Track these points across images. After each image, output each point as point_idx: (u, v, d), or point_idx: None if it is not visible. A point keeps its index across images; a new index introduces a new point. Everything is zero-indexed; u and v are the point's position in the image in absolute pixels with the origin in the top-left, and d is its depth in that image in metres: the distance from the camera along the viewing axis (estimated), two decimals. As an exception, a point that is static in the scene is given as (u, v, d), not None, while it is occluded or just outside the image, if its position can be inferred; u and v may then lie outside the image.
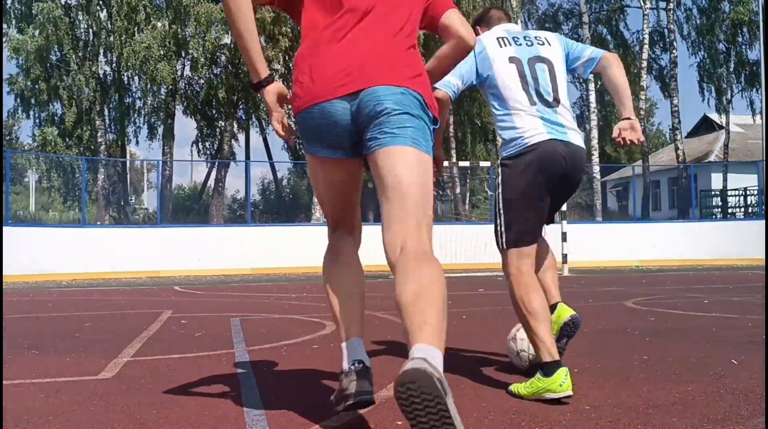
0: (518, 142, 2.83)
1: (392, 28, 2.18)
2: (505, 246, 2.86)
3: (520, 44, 2.97)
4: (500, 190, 2.87)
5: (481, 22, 3.23)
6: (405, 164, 2.03)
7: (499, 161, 2.98)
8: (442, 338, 1.82)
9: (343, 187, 2.29)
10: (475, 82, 3.01)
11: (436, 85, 2.78)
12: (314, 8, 2.18)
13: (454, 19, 2.33)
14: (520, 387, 2.69)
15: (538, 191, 2.81)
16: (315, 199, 20.95)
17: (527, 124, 2.82)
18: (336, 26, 2.12)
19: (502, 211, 2.87)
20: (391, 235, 2.02)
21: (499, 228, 2.88)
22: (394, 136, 2.05)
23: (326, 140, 2.16)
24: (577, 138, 2.89)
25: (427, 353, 1.74)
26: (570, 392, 2.55)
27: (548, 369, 2.58)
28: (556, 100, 2.88)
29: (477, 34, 2.97)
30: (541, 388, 2.57)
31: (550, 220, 3.07)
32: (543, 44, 2.99)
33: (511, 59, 2.91)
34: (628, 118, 2.96)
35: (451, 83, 2.91)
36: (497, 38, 2.98)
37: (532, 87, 2.86)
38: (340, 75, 2.07)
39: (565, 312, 3.08)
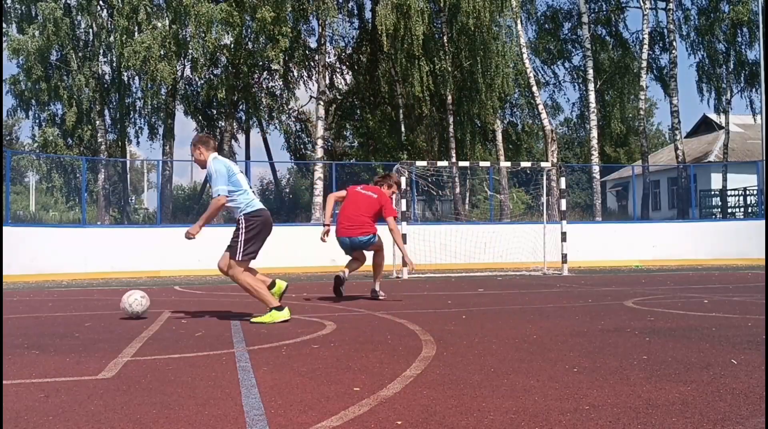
0: (254, 206, 5.69)
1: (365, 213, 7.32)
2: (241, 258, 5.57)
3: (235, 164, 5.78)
4: (244, 231, 5.60)
5: (204, 145, 5.72)
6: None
7: (244, 215, 5.60)
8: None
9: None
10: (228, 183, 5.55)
11: (215, 194, 5.57)
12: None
13: (389, 222, 7.35)
14: (258, 318, 5.39)
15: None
16: (315, 200, 20.95)
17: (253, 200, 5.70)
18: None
19: (243, 240, 5.58)
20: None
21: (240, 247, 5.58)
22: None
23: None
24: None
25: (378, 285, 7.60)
26: (289, 315, 5.43)
27: (279, 308, 5.42)
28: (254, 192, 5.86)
29: (200, 150, 5.69)
30: (277, 316, 5.35)
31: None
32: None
33: (241, 172, 5.75)
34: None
35: (224, 190, 5.54)
36: (229, 163, 5.70)
37: (249, 185, 5.75)
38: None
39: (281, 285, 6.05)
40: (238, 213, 5.56)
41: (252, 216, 5.55)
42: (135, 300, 5.80)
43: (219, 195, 5.46)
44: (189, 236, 5.60)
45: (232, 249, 5.56)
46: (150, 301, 6.02)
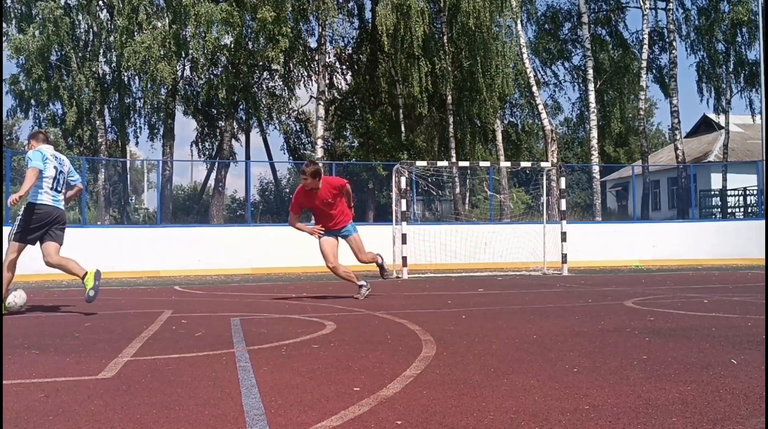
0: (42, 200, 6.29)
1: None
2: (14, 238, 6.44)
3: (58, 160, 6.42)
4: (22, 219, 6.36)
5: (34, 139, 6.48)
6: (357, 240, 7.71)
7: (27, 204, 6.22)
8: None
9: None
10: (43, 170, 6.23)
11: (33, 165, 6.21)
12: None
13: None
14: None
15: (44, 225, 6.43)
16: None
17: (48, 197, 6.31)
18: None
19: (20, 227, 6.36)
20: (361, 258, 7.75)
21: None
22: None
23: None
24: (61, 205, 6.47)
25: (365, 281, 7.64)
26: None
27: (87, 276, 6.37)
28: (59, 191, 6.42)
29: (32, 144, 6.44)
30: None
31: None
32: (64, 163, 6.49)
33: (55, 168, 6.34)
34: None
35: (38, 165, 6.22)
36: (51, 154, 6.35)
37: (57, 183, 6.37)
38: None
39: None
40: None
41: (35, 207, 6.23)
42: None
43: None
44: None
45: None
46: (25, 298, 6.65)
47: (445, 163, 15.65)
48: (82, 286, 6.54)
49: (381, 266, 7.99)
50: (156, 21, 20.64)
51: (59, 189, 6.40)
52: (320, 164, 7.53)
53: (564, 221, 13.13)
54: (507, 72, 22.73)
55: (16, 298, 6.59)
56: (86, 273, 6.44)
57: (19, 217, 6.32)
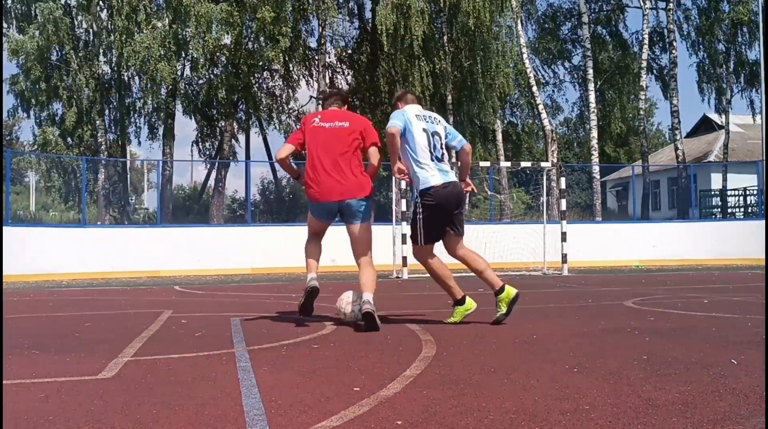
0: (426, 182, 4.85)
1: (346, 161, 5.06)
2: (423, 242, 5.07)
3: (427, 121, 4.98)
4: (421, 210, 4.90)
5: (401, 100, 5.22)
6: (361, 230, 5.09)
7: (418, 193, 4.91)
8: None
9: (323, 227, 5.24)
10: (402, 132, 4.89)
11: (391, 123, 4.91)
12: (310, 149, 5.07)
13: (371, 153, 5.36)
14: (451, 319, 5.13)
15: (441, 214, 4.93)
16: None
17: (430, 172, 4.87)
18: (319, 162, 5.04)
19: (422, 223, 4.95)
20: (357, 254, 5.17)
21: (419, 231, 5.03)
22: (356, 220, 5.05)
23: (324, 215, 5.13)
24: (453, 176, 4.97)
25: (370, 297, 4.81)
26: (475, 304, 5.20)
27: (460, 301, 5.15)
28: (441, 158, 4.93)
29: (397, 107, 5.12)
30: (464, 310, 5.12)
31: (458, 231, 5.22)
32: (438, 122, 5.08)
33: (424, 130, 4.92)
34: (467, 182, 5.23)
35: (398, 124, 4.86)
36: (415, 114, 4.97)
37: (431, 149, 4.89)
38: (334, 193, 4.98)
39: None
40: None
41: None
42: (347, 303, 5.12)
43: None
44: None
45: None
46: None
47: (444, 163, 15.63)
48: (83, 286, 6.47)
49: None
50: (156, 21, 20.63)
51: (439, 156, 4.92)
52: None
53: (564, 221, 13.13)
54: (507, 72, 22.72)
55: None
56: (504, 289, 5.17)
57: (413, 214, 4.94)
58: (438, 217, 4.89)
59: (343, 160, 5.00)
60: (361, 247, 5.08)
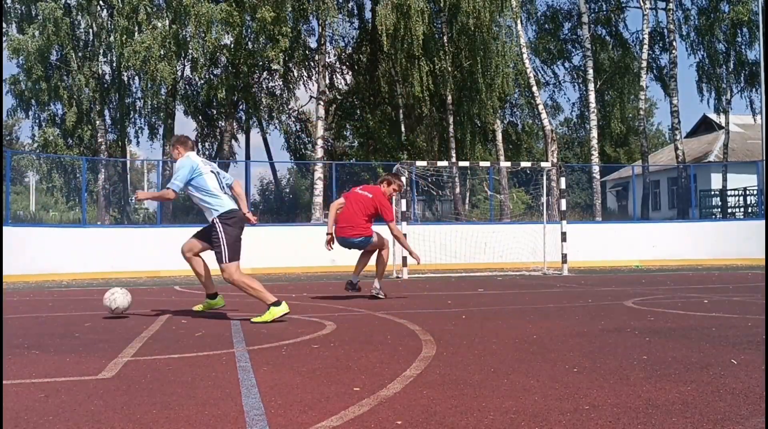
0: (226, 207, 5.65)
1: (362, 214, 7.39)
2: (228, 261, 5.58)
3: (206, 163, 5.81)
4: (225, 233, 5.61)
5: (181, 145, 5.87)
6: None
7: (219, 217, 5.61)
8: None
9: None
10: (189, 182, 5.63)
11: (169, 186, 5.64)
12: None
13: (391, 228, 7.57)
14: (258, 318, 5.36)
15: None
16: (315, 200, 20.95)
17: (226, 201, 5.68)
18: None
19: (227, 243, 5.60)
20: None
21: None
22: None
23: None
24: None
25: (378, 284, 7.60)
26: (287, 309, 5.41)
27: (275, 303, 5.37)
28: (227, 192, 5.79)
29: (177, 150, 5.85)
30: (275, 312, 5.33)
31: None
32: (211, 164, 5.92)
33: (212, 172, 5.75)
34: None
35: (177, 185, 5.60)
36: (200, 160, 5.77)
37: (222, 187, 5.74)
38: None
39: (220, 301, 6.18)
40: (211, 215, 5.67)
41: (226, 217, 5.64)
42: (116, 296, 5.93)
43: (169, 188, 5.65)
44: (138, 198, 6.31)
45: (218, 254, 5.64)
46: (131, 298, 6.03)
47: (445, 163, 15.65)
48: (83, 286, 6.52)
49: (351, 283, 7.78)
50: (156, 21, 20.62)
51: (227, 191, 5.83)
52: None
53: (564, 221, 13.12)
54: (507, 72, 22.72)
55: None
56: (217, 295, 6.18)
57: (219, 237, 5.59)
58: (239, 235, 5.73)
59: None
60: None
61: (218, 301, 6.18)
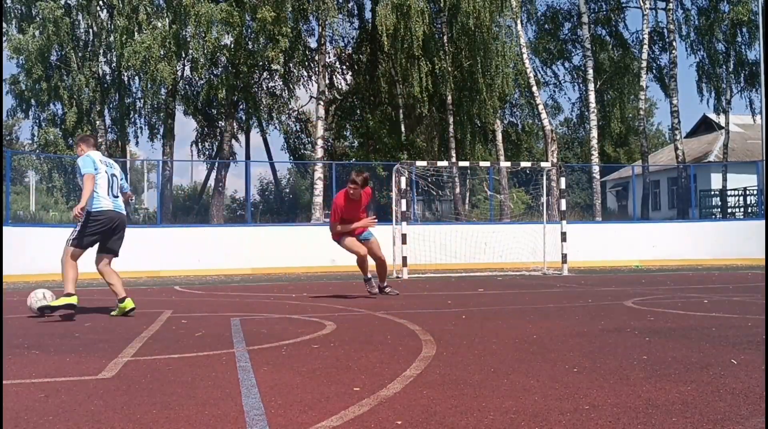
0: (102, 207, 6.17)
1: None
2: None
3: (108, 165, 6.28)
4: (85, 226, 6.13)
5: (84, 142, 6.33)
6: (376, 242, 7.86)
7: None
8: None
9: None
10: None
11: (84, 174, 6.04)
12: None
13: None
14: (55, 302, 6.06)
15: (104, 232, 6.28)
16: (315, 200, 20.94)
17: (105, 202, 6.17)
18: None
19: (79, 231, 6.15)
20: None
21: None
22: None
23: None
24: (123, 208, 6.49)
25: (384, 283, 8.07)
26: (69, 302, 5.95)
27: (68, 294, 5.99)
28: (117, 196, 6.32)
29: (81, 148, 6.28)
30: (62, 301, 5.95)
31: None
32: (114, 167, 6.37)
33: (106, 173, 6.19)
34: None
35: (89, 170, 6.02)
36: (99, 159, 6.21)
37: (111, 188, 6.23)
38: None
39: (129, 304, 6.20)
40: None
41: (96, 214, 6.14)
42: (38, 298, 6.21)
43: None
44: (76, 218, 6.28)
45: (71, 235, 6.29)
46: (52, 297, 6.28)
47: (445, 163, 15.64)
48: (83, 286, 6.64)
49: (380, 287, 8.04)
50: (156, 21, 20.63)
51: (116, 193, 6.31)
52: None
53: (564, 221, 13.13)
54: (507, 72, 22.72)
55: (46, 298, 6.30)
56: (125, 298, 6.23)
57: (79, 223, 6.16)
58: (100, 233, 6.25)
59: None
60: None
61: (127, 304, 6.23)
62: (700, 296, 7.38)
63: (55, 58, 22.24)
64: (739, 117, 32.02)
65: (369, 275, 7.88)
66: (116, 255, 6.52)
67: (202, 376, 3.21)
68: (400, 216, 12.80)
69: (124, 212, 6.48)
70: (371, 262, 7.87)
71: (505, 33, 23.06)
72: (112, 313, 6.27)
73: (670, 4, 24.63)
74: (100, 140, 22.55)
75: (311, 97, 25.90)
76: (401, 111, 24.62)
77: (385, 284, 8.05)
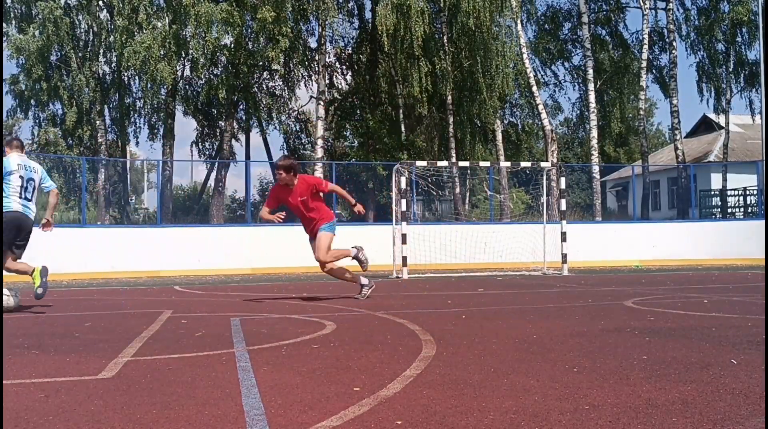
0: (9, 208, 6.39)
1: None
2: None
3: (27, 169, 6.62)
4: None
5: (7, 145, 6.65)
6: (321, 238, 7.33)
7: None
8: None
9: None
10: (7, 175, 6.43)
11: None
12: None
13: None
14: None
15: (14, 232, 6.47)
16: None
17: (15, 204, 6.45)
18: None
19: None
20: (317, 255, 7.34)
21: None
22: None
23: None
24: (31, 213, 6.65)
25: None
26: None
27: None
28: (30, 199, 6.61)
29: (6, 150, 6.62)
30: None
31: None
32: (34, 171, 6.73)
33: (20, 177, 6.52)
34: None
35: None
36: (18, 163, 6.54)
37: (24, 191, 6.54)
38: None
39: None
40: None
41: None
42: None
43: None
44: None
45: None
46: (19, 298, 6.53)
47: (445, 163, 15.65)
48: (83, 286, 6.56)
49: (358, 259, 7.56)
50: (156, 21, 20.63)
51: (29, 197, 6.60)
52: (295, 160, 7.34)
53: (564, 221, 13.13)
54: (507, 72, 22.72)
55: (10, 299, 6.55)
56: (33, 270, 6.45)
57: None
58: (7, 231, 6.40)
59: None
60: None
61: (35, 277, 6.47)
62: (700, 296, 7.38)
63: (55, 58, 22.25)
64: (739, 117, 32.03)
65: (364, 280, 7.52)
66: (19, 257, 6.68)
67: (202, 376, 3.21)
68: (400, 216, 12.81)
69: (32, 217, 6.71)
70: (342, 264, 7.55)
71: (505, 33, 23.06)
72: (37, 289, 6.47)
73: (670, 4, 24.63)
74: (100, 140, 22.59)
75: (311, 97, 25.90)
76: (401, 111, 24.62)
77: (360, 293, 7.52)
